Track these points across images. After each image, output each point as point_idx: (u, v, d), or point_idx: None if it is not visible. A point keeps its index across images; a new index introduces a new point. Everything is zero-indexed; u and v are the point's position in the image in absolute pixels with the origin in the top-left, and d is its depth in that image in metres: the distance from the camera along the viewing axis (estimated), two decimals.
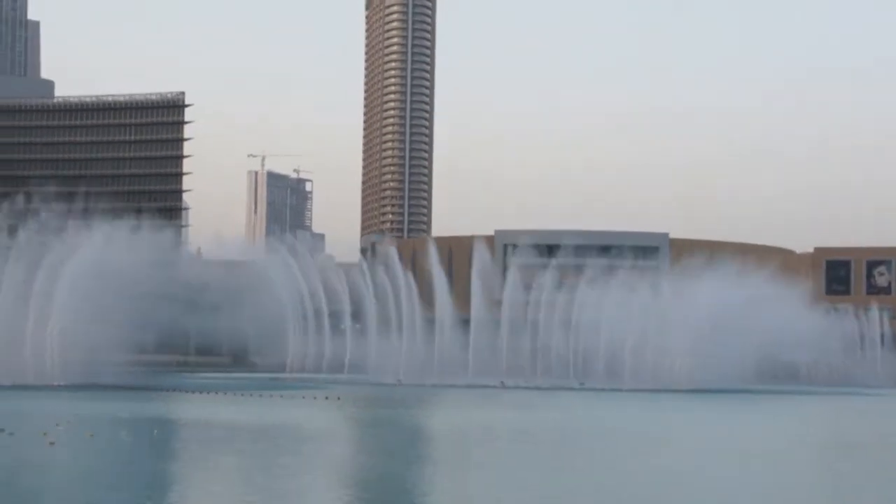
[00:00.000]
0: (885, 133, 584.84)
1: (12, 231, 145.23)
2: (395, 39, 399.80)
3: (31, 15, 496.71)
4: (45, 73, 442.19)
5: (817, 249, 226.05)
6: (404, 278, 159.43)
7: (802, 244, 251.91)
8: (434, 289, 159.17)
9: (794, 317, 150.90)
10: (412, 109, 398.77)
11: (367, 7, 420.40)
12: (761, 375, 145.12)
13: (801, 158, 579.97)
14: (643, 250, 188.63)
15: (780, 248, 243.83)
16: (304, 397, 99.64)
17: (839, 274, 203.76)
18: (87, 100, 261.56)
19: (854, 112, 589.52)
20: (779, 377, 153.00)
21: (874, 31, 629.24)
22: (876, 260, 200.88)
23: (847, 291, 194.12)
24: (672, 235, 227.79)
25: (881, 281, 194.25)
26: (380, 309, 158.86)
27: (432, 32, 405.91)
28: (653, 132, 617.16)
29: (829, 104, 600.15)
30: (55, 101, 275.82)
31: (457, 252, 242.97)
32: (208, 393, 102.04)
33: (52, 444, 52.50)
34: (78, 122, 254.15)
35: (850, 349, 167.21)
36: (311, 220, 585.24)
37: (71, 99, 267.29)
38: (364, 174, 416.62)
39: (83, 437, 57.04)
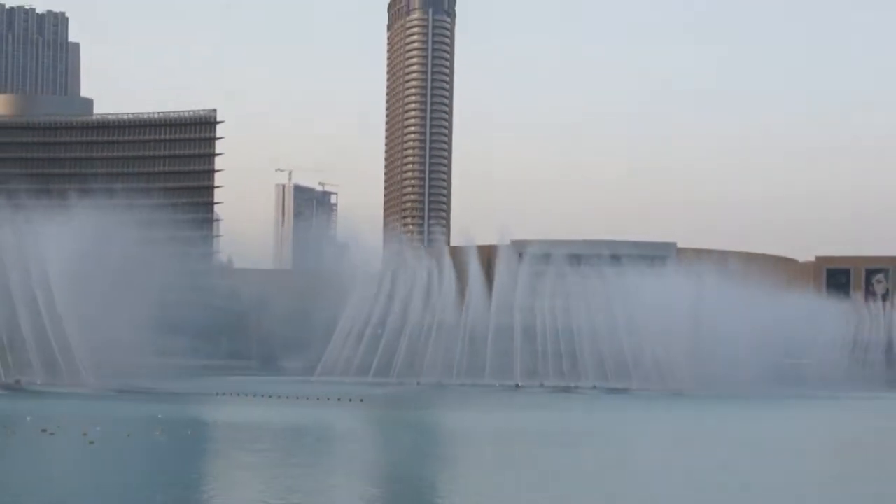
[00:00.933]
0: (885, 142, 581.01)
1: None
2: (416, 59, 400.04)
3: (72, 37, 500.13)
4: (85, 92, 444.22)
5: (818, 258, 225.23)
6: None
7: (805, 253, 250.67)
8: (471, 296, 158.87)
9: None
10: (431, 125, 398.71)
11: (389, 29, 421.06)
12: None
13: (805, 169, 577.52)
14: (651, 259, 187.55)
15: (783, 257, 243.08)
16: (328, 399, 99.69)
17: (839, 282, 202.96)
18: (124, 117, 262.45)
19: (854, 122, 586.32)
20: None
21: (873, 45, 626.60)
22: (874, 268, 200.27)
23: (846, 297, 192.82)
24: (680, 245, 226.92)
25: (879, 288, 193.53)
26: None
27: (450, 52, 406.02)
28: (661, 145, 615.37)
29: (829, 115, 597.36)
30: (94, 118, 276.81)
31: (474, 260, 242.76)
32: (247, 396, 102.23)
33: (91, 443, 52.77)
34: (115, 138, 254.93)
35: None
36: (335, 230, 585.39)
37: (109, 116, 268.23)
38: (386, 187, 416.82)
39: (121, 437, 57.33)
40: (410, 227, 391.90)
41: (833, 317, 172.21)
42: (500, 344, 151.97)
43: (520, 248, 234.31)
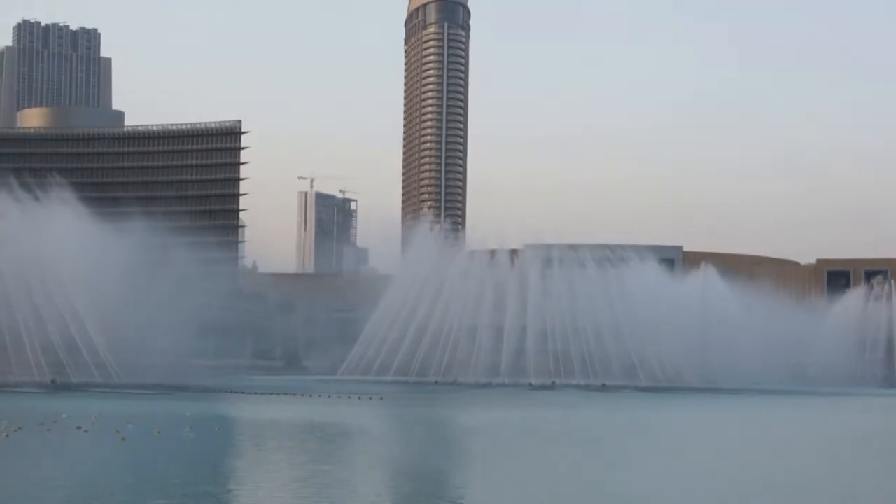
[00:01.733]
0: (885, 146, 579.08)
1: None
2: (432, 71, 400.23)
3: (104, 53, 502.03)
4: (116, 105, 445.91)
5: (819, 261, 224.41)
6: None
7: (806, 255, 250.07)
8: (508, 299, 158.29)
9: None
10: (447, 134, 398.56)
11: (406, 43, 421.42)
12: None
13: (807, 175, 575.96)
14: (659, 262, 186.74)
15: (785, 259, 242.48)
16: (349, 397, 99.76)
17: (840, 283, 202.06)
18: (154, 128, 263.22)
19: (854, 129, 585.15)
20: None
21: (875, 45, 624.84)
22: (873, 270, 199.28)
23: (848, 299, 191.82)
24: (686, 248, 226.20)
25: (879, 291, 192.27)
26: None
27: (465, 64, 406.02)
28: (667, 152, 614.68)
29: (830, 123, 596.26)
30: (125, 129, 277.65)
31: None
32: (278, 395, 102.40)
33: (123, 439, 52.98)
34: (145, 149, 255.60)
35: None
36: (355, 236, 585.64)
37: (139, 128, 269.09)
38: (404, 194, 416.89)
39: (152, 434, 57.52)
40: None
41: (834, 317, 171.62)
42: (513, 343, 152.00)
43: (532, 252, 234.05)
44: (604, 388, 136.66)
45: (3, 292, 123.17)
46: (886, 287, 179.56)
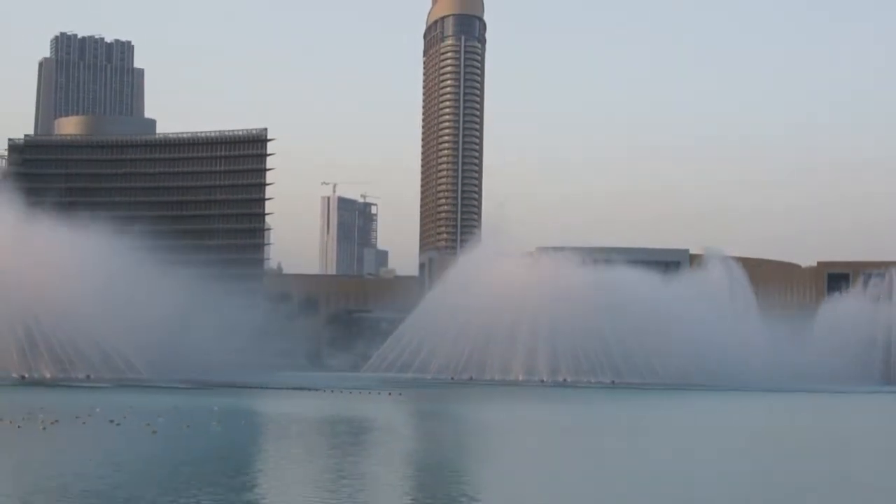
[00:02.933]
0: (883, 153, 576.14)
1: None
2: (449, 82, 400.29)
3: (137, 64, 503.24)
4: (149, 113, 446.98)
5: (820, 263, 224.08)
6: None
7: (807, 258, 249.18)
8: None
9: None
10: (464, 142, 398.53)
11: (425, 54, 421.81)
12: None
13: (807, 181, 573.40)
14: (666, 264, 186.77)
15: (787, 262, 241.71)
16: (369, 393, 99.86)
17: (839, 284, 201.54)
18: (184, 136, 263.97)
19: (853, 136, 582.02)
20: None
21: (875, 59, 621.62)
22: (871, 272, 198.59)
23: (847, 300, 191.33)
24: (692, 251, 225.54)
25: (876, 291, 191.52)
26: None
27: (481, 75, 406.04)
28: (674, 158, 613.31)
29: (830, 130, 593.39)
30: (157, 137, 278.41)
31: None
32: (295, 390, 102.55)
33: (154, 432, 53.15)
34: (176, 155, 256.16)
35: None
36: (376, 238, 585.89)
37: (170, 135, 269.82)
38: (422, 198, 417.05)
39: (181, 428, 57.68)
40: (444, 234, 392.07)
41: (834, 318, 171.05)
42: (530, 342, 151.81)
43: (545, 254, 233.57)
44: (613, 384, 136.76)
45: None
46: (884, 287, 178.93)
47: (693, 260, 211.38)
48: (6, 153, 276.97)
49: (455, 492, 35.62)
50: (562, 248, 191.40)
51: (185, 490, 33.44)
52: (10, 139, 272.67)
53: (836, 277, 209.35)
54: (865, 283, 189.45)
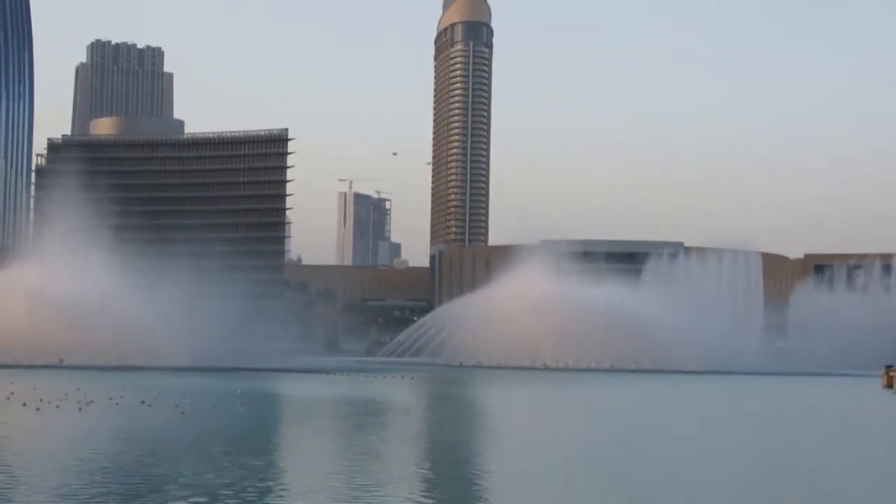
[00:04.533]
0: (869, 152, 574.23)
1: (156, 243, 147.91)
2: (458, 84, 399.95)
3: (167, 68, 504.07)
4: (177, 115, 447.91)
5: (807, 255, 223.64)
6: None
7: (795, 250, 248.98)
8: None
9: None
10: (472, 140, 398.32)
11: (436, 59, 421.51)
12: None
13: (795, 177, 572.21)
14: (661, 256, 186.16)
15: (777, 254, 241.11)
16: (384, 377, 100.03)
17: (825, 275, 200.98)
18: (210, 136, 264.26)
19: (837, 137, 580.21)
20: None
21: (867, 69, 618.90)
22: (855, 264, 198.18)
23: (830, 289, 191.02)
24: (687, 244, 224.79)
25: (859, 282, 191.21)
26: None
27: (488, 78, 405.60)
28: (671, 154, 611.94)
29: (816, 130, 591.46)
30: (185, 137, 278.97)
31: (509, 257, 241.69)
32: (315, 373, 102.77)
33: (182, 413, 53.41)
34: (203, 154, 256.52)
35: None
36: (389, 232, 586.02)
37: (197, 135, 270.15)
38: (433, 194, 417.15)
39: (207, 408, 57.96)
40: (454, 228, 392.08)
41: (817, 306, 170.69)
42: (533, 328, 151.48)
43: (549, 247, 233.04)
44: (612, 369, 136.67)
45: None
46: (864, 279, 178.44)
47: (688, 252, 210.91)
48: (46, 152, 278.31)
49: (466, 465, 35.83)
50: (565, 241, 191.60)
51: (213, 463, 33.67)
52: (49, 139, 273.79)
53: (822, 268, 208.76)
54: (849, 273, 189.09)
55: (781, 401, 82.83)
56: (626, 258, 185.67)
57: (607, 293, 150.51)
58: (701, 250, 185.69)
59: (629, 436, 48.91)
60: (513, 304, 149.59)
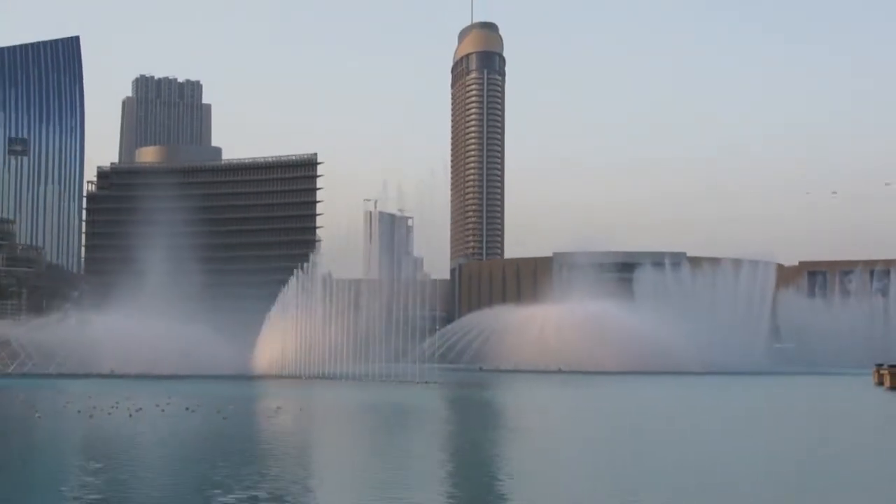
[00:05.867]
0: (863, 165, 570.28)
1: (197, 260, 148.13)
2: (474, 109, 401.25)
3: (205, 100, 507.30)
4: (215, 142, 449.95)
5: (801, 262, 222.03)
6: None
7: (790, 258, 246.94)
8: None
9: None
10: (488, 161, 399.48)
11: (453, 86, 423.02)
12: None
13: (792, 188, 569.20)
14: (665, 266, 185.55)
15: (773, 262, 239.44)
16: (404, 382, 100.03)
17: (818, 281, 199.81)
18: (246, 161, 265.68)
19: (827, 151, 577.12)
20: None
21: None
22: (847, 270, 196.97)
23: (824, 295, 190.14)
24: (689, 253, 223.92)
25: (851, 287, 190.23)
26: None
27: (502, 103, 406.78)
28: (672, 170, 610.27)
29: (809, 145, 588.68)
30: (222, 163, 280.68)
31: (523, 269, 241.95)
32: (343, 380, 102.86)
33: (225, 419, 53.77)
34: (239, 178, 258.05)
35: None
36: (412, 247, 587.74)
37: (234, 161, 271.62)
38: (452, 212, 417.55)
39: (247, 413, 58.36)
40: (472, 242, 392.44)
41: (812, 310, 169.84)
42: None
43: (561, 259, 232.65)
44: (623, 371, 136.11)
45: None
46: (855, 284, 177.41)
47: (691, 261, 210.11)
48: (95, 179, 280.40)
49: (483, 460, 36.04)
50: (576, 253, 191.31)
51: (248, 465, 34.02)
52: (98, 167, 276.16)
53: (815, 274, 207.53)
54: (840, 279, 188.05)
55: (787, 398, 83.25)
56: (629, 268, 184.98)
57: (639, 314, 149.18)
58: (701, 260, 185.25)
59: (654, 432, 48.93)
60: (565, 320, 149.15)
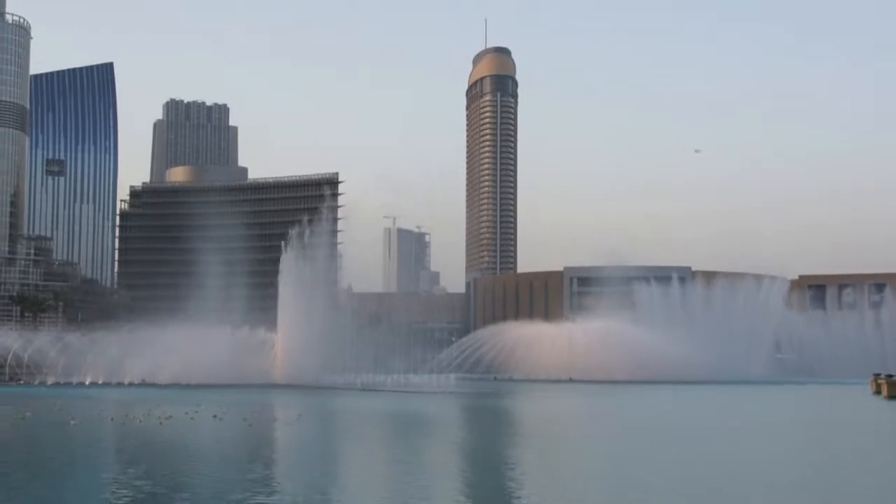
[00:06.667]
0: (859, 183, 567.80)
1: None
2: (488, 130, 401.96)
3: (232, 122, 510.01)
4: (241, 162, 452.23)
5: (801, 276, 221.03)
6: None
7: (791, 272, 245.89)
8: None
9: None
10: (501, 179, 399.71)
11: (467, 109, 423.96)
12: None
13: (793, 207, 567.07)
14: (670, 280, 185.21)
15: (774, 276, 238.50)
16: (423, 392, 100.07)
17: (818, 294, 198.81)
18: (270, 180, 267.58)
19: (827, 171, 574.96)
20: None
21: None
22: (844, 284, 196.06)
23: (823, 307, 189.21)
24: (695, 268, 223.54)
25: (849, 300, 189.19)
26: None
27: (514, 125, 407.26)
28: (677, 190, 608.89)
29: (808, 164, 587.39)
30: (248, 182, 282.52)
31: (535, 282, 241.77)
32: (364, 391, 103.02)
33: (250, 425, 54.09)
34: (264, 196, 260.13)
35: None
36: (429, 262, 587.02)
37: (259, 180, 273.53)
38: (467, 228, 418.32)
39: (270, 420, 58.68)
40: (486, 257, 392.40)
41: (812, 322, 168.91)
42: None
43: (570, 273, 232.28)
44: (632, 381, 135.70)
45: None
46: (853, 297, 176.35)
47: (696, 275, 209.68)
48: (128, 197, 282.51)
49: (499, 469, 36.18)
50: (584, 267, 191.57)
51: (258, 467, 34.37)
52: (131, 186, 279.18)
53: (815, 288, 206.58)
54: (840, 293, 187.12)
55: (792, 406, 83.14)
56: (639, 281, 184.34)
57: (646, 326, 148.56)
58: (706, 274, 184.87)
59: (685, 440, 49.05)
60: (577, 335, 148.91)
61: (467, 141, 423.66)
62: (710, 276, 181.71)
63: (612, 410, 76.46)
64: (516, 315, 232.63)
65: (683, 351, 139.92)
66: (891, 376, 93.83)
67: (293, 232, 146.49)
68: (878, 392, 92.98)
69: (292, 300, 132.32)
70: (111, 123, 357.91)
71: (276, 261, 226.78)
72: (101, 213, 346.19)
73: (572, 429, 57.47)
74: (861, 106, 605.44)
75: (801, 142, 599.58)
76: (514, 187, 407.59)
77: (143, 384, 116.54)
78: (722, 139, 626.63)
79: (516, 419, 67.10)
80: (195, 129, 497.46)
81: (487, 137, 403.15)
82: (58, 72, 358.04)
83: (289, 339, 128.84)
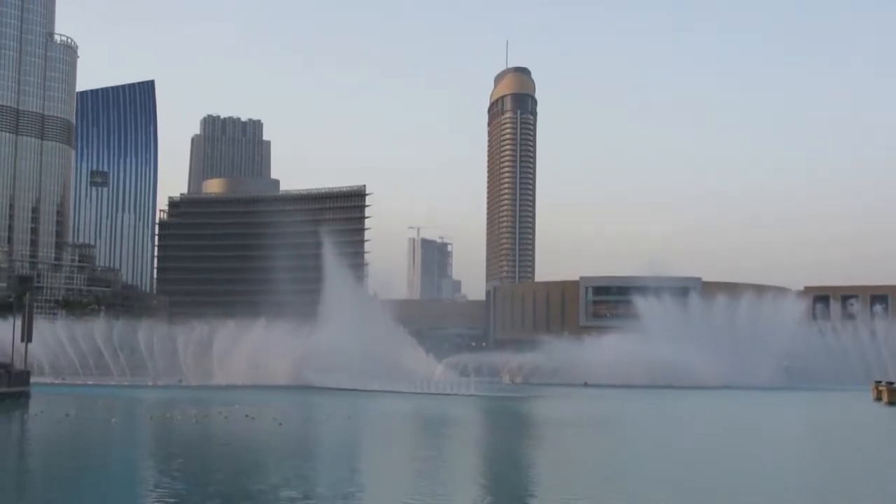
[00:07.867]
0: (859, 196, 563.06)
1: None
2: (508, 146, 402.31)
3: (265, 137, 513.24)
4: (274, 175, 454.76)
5: (806, 288, 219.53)
6: None
7: (797, 283, 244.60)
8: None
9: None
10: (521, 193, 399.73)
11: (489, 125, 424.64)
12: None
13: (797, 220, 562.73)
14: (681, 290, 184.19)
15: (781, 287, 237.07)
16: (444, 394, 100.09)
17: (822, 305, 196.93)
18: (301, 192, 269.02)
19: (830, 185, 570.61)
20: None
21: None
22: (848, 295, 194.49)
23: (827, 318, 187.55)
24: (704, 279, 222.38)
25: (852, 311, 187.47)
26: None
27: (534, 141, 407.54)
28: (688, 204, 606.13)
29: (827, 181, 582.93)
30: (280, 194, 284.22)
31: (552, 291, 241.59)
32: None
33: (280, 425, 54.54)
34: (295, 207, 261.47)
35: None
36: (451, 271, 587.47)
37: (291, 192, 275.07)
38: (488, 238, 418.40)
39: (301, 421, 59.06)
40: (506, 266, 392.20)
41: (816, 332, 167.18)
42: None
43: (586, 282, 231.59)
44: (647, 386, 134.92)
45: None
46: (857, 308, 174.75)
47: (705, 286, 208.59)
48: (167, 208, 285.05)
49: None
50: (600, 277, 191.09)
51: (298, 462, 34.87)
52: (169, 197, 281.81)
53: (820, 299, 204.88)
54: (843, 303, 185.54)
55: (799, 411, 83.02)
56: (651, 291, 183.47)
57: (658, 335, 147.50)
58: (716, 285, 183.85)
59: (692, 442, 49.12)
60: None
61: (488, 156, 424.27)
62: (721, 287, 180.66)
63: (671, 414, 75.89)
64: (534, 322, 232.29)
65: (696, 359, 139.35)
66: (891, 383, 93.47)
67: (327, 241, 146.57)
68: (878, 398, 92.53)
69: (336, 305, 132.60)
70: (152, 138, 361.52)
71: (307, 269, 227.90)
72: (141, 222, 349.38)
73: (658, 431, 57.44)
74: (873, 119, 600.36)
75: (818, 160, 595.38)
76: (533, 200, 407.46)
77: (180, 385, 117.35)
78: (739, 154, 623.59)
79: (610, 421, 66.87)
80: (231, 144, 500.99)
81: (508, 152, 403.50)
82: (102, 89, 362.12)
83: (332, 343, 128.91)
